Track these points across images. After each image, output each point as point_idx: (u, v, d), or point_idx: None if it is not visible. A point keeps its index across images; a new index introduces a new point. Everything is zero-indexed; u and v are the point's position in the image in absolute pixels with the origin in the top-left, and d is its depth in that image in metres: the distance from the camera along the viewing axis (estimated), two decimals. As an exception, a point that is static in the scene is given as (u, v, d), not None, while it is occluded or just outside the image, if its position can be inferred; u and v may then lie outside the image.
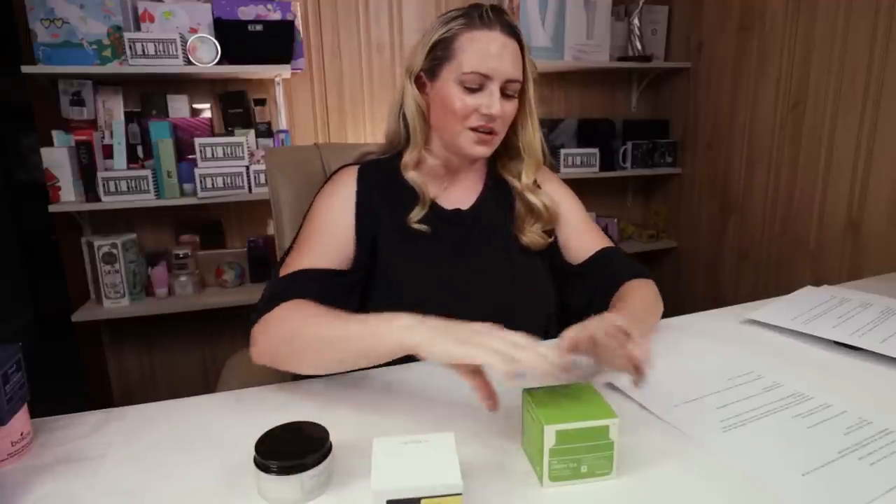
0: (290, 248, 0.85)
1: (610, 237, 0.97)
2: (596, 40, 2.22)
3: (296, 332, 0.69)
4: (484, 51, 0.81)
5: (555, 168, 2.21)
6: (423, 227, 0.87)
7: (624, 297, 0.84)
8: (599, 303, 0.86)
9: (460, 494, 0.45)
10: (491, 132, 0.85)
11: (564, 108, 2.45)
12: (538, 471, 0.54)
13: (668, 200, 2.53)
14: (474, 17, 0.83)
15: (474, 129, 0.84)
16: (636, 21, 2.26)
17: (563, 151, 2.22)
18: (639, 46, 2.28)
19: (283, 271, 0.80)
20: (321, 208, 0.87)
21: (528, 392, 0.57)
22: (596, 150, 2.26)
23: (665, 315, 0.97)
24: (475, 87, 0.82)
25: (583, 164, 2.25)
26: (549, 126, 2.29)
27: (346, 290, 0.83)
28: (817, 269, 1.85)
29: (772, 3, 1.93)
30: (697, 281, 2.39)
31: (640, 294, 0.85)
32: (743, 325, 0.94)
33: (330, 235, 0.84)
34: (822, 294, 1.03)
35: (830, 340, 0.85)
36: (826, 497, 0.50)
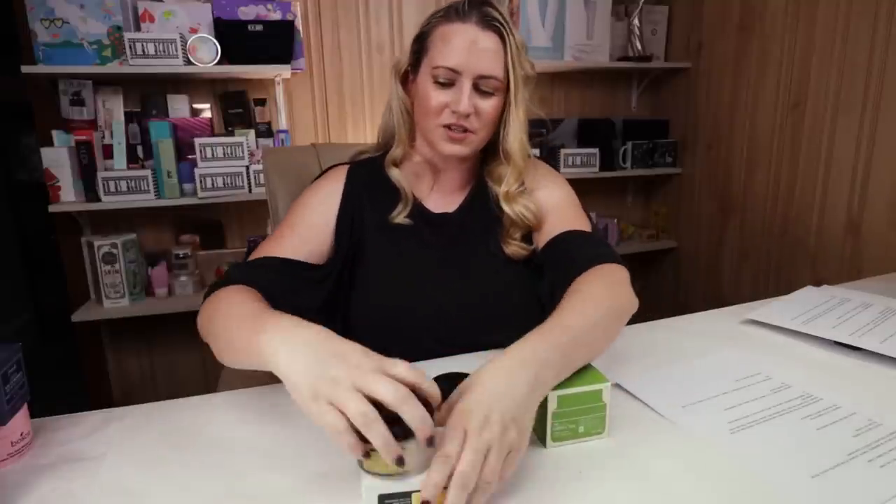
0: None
1: (593, 233, 0.84)
2: (596, 40, 2.22)
3: (214, 319, 0.68)
4: (452, 44, 0.77)
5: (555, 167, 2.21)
6: (406, 221, 0.85)
7: (563, 308, 0.65)
8: (559, 296, 0.70)
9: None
10: (465, 130, 0.80)
11: (564, 108, 2.45)
12: (540, 434, 0.59)
13: (668, 200, 2.53)
14: (451, 11, 0.80)
15: (447, 127, 0.80)
16: (636, 21, 2.26)
17: (563, 151, 2.22)
18: (639, 46, 2.28)
19: (252, 256, 0.79)
20: (304, 201, 0.86)
21: None
22: (596, 150, 2.26)
23: (665, 315, 0.97)
24: (446, 82, 0.78)
25: (583, 164, 2.25)
26: (550, 126, 2.29)
27: (311, 284, 0.80)
28: (817, 269, 1.85)
29: (772, 3, 1.93)
30: (697, 281, 2.39)
31: (591, 293, 0.68)
32: (743, 325, 0.94)
33: (306, 227, 0.82)
34: (822, 294, 1.03)
35: (830, 340, 0.85)
36: (835, 500, 0.50)
